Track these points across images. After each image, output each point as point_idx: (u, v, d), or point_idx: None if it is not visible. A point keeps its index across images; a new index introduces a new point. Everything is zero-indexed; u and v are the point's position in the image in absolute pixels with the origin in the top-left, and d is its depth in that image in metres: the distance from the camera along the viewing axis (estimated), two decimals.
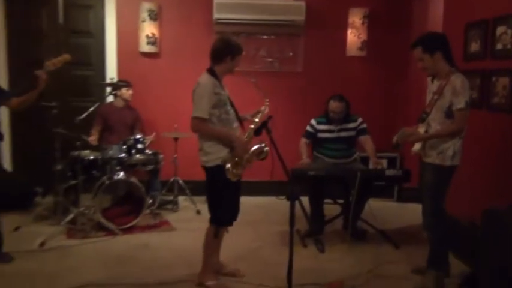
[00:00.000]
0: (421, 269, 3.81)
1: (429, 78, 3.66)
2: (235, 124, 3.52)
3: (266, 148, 3.53)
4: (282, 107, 5.91)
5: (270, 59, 6.09)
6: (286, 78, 6.13)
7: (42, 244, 4.28)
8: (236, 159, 3.38)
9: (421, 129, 3.56)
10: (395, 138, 3.58)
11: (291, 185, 2.75)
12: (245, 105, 3.70)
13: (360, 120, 4.75)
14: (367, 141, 4.71)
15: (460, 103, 3.33)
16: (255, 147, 3.53)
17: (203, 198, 3.56)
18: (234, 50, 3.45)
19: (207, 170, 3.46)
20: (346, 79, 6.11)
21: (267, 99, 3.61)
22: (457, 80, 3.36)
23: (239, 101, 3.67)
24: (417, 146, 3.58)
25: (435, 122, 3.48)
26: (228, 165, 3.35)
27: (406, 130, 3.57)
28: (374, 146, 4.70)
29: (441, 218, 3.55)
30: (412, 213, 3.75)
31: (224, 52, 3.45)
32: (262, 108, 3.64)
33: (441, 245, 3.59)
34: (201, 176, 3.52)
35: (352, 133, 4.72)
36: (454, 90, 3.35)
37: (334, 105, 4.60)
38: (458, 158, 3.47)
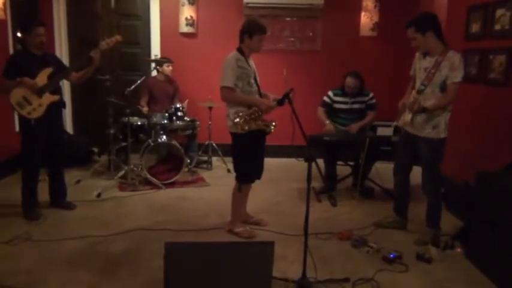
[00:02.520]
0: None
1: (418, 55, 3.45)
2: (256, 97, 3.43)
3: (272, 127, 3.44)
4: (302, 80, 5.83)
5: (292, 39, 5.97)
6: (306, 56, 6.01)
7: (98, 195, 4.39)
8: (250, 116, 3.29)
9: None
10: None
11: (309, 148, 2.73)
12: (269, 85, 3.63)
13: (371, 95, 4.66)
14: (369, 115, 4.67)
15: (456, 77, 3.17)
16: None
17: None
18: (250, 30, 3.33)
19: (232, 134, 3.43)
20: (359, 56, 5.97)
21: (292, 88, 3.23)
22: (456, 57, 3.19)
23: (264, 80, 3.61)
24: (407, 119, 3.41)
25: (427, 95, 3.29)
26: (238, 120, 3.26)
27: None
28: (370, 121, 4.68)
29: (439, 185, 3.47)
30: (412, 174, 3.69)
31: (242, 31, 3.37)
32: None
33: (438, 207, 3.50)
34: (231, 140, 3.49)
35: (363, 106, 4.66)
36: (452, 66, 3.17)
37: (349, 80, 4.53)
38: (447, 130, 3.32)
